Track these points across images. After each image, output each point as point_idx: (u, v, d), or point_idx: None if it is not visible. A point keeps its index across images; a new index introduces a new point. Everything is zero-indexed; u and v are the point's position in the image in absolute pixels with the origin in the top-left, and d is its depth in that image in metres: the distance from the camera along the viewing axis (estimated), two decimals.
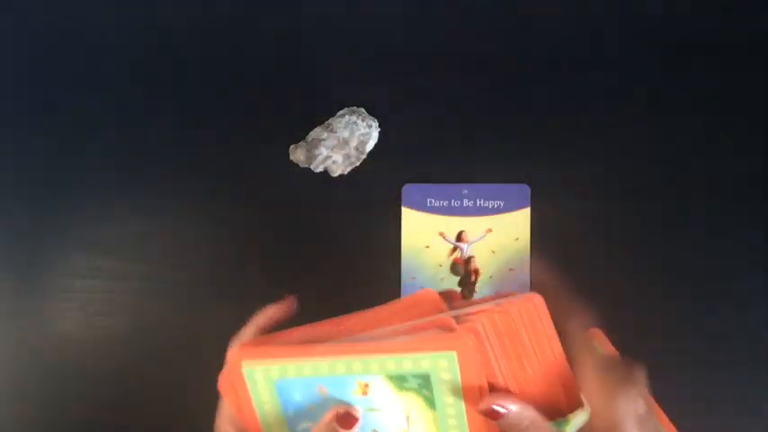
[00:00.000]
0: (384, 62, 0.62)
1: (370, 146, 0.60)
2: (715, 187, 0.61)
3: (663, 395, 0.60)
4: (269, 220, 0.62)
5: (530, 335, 0.36)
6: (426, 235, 0.61)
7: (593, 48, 0.62)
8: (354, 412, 0.35)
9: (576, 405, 0.38)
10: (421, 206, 0.61)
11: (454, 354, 0.32)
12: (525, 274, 0.61)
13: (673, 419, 0.60)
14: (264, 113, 0.62)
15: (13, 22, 0.63)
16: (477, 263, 0.61)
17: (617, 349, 0.60)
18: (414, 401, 0.34)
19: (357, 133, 0.59)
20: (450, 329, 0.33)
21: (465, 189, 0.61)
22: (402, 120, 0.62)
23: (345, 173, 0.60)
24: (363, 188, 0.62)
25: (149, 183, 0.62)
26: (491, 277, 0.61)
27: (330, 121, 0.59)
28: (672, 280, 0.61)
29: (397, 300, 0.39)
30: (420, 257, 0.61)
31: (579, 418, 0.38)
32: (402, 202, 0.61)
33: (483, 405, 0.32)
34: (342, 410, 0.35)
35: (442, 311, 0.36)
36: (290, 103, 0.62)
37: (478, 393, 0.33)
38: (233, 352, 0.40)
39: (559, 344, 0.38)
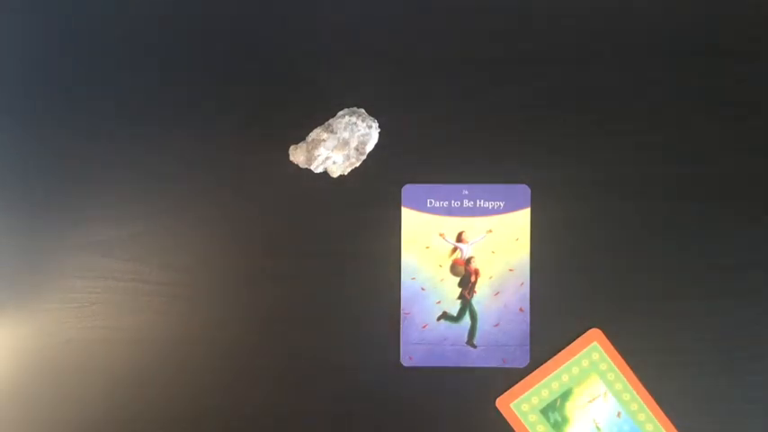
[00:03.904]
0: (384, 62, 0.62)
1: (370, 146, 0.60)
2: (715, 187, 0.61)
3: (663, 395, 0.61)
4: (269, 220, 0.62)
5: None
6: (426, 235, 0.61)
7: (594, 47, 0.62)
8: None
9: None
10: (421, 206, 0.61)
11: None
12: (525, 274, 0.61)
13: (673, 419, 0.61)
14: (264, 113, 0.62)
15: (9, 23, 0.63)
16: (478, 263, 0.61)
17: (617, 350, 0.61)
18: None
19: (357, 134, 0.59)
20: None
21: (465, 189, 0.61)
22: (402, 120, 0.62)
23: (345, 173, 0.60)
24: (363, 188, 0.62)
25: (149, 183, 0.62)
26: (491, 278, 0.61)
27: (330, 121, 0.59)
28: (672, 280, 0.61)
29: None
30: (420, 258, 0.61)
31: None
32: (402, 203, 0.61)
33: None
34: None
35: None
36: (290, 103, 0.62)
37: None
38: None
39: None
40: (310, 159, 0.59)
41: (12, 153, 0.62)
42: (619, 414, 0.60)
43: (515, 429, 0.60)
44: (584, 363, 0.60)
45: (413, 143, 0.62)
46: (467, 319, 0.61)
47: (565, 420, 0.60)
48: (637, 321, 0.61)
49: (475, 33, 0.62)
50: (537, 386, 0.60)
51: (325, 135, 0.58)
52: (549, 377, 0.60)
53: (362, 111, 0.60)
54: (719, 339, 0.60)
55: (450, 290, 0.61)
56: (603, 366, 0.60)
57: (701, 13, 0.62)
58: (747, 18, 0.61)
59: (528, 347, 0.61)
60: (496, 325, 0.61)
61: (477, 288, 0.61)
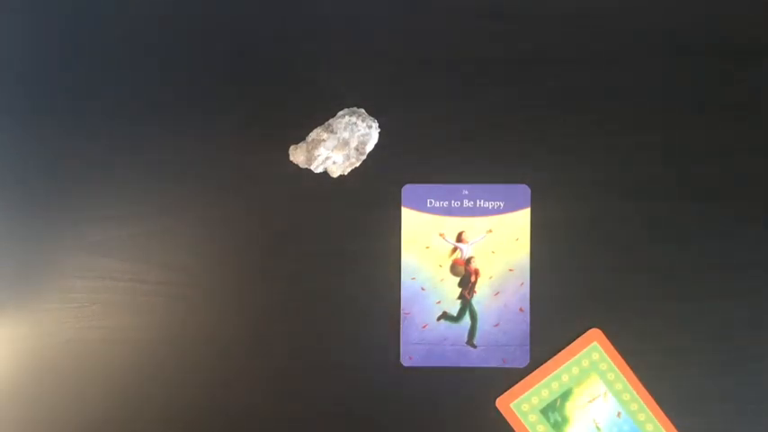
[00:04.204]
0: (384, 62, 0.62)
1: (370, 146, 0.60)
2: (715, 187, 0.61)
3: (663, 395, 0.61)
4: (269, 220, 0.62)
5: None
6: (426, 235, 0.61)
7: (594, 47, 0.62)
8: None
9: None
10: (421, 206, 0.61)
11: None
12: (525, 274, 0.61)
13: (673, 419, 0.61)
14: (264, 113, 0.62)
15: (9, 23, 0.63)
16: (477, 263, 0.61)
17: (617, 350, 0.61)
18: None
19: (357, 134, 0.59)
20: None
21: (465, 189, 0.61)
22: (402, 120, 0.62)
23: (345, 173, 0.60)
24: (363, 188, 0.62)
25: (149, 183, 0.62)
26: (491, 278, 0.61)
27: (330, 121, 0.59)
28: (672, 280, 0.61)
29: None
30: (420, 258, 0.61)
31: None
32: (402, 203, 0.61)
33: None
34: None
35: None
36: (290, 103, 0.62)
37: None
38: None
39: None
40: (310, 159, 0.59)
41: (12, 153, 0.62)
42: (619, 414, 0.60)
43: (515, 429, 0.60)
44: (585, 363, 0.60)
45: (413, 143, 0.62)
46: (467, 319, 0.61)
47: (565, 420, 0.60)
48: (637, 321, 0.61)
49: (475, 33, 0.62)
50: (537, 386, 0.60)
51: (325, 135, 0.58)
52: (549, 377, 0.60)
53: (362, 111, 0.60)
54: (719, 339, 0.60)
55: (450, 290, 0.61)
56: (603, 366, 0.60)
57: (701, 13, 0.62)
58: (747, 18, 0.62)
59: (528, 347, 0.61)
60: (496, 325, 0.61)
61: (477, 288, 0.61)
